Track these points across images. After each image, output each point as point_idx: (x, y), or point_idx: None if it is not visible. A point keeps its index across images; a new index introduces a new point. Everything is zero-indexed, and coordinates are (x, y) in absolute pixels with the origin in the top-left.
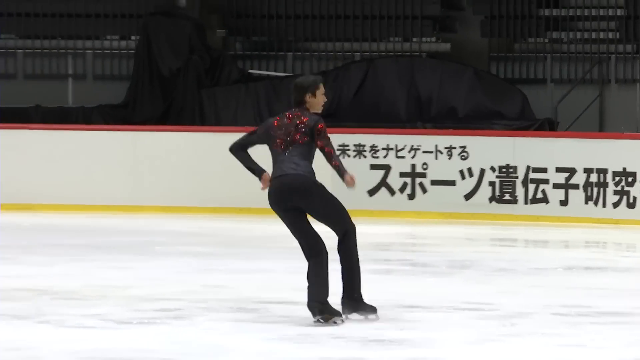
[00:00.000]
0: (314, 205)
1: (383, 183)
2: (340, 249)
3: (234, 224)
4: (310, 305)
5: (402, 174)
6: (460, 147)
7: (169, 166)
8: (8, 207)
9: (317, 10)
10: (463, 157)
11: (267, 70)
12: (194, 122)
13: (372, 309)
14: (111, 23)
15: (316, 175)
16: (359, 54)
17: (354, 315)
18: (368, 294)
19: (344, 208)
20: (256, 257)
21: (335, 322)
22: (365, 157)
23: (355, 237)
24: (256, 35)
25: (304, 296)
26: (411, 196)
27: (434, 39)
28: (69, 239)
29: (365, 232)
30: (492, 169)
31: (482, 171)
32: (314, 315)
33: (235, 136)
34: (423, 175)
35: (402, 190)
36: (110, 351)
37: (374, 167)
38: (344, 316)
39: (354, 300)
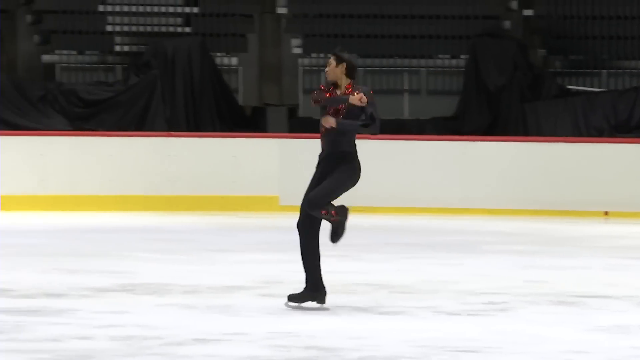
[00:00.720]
0: None
1: None
2: None
3: (552, 224)
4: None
5: None
6: None
7: (495, 172)
8: (352, 210)
9: (629, 31)
10: None
11: (583, 86)
12: (517, 132)
13: None
14: (443, 43)
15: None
16: None
17: None
18: None
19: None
20: (573, 255)
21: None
22: None
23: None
24: (574, 54)
25: (618, 290)
26: None
27: None
28: (405, 238)
29: None
30: None
31: None
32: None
33: (554, 146)
34: None
35: None
36: (440, 340)
37: None
38: None
39: None
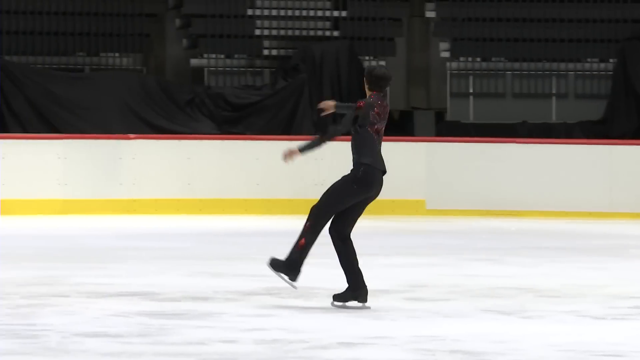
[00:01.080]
0: None
1: None
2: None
3: None
4: None
5: None
6: None
7: None
8: (495, 213)
9: None
10: None
11: None
12: None
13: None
14: (591, 47)
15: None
16: None
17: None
18: None
19: None
20: None
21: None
22: None
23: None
24: None
25: None
26: None
27: None
28: (550, 242)
29: None
30: None
31: None
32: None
33: None
34: None
35: None
36: (585, 344)
37: None
38: None
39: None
